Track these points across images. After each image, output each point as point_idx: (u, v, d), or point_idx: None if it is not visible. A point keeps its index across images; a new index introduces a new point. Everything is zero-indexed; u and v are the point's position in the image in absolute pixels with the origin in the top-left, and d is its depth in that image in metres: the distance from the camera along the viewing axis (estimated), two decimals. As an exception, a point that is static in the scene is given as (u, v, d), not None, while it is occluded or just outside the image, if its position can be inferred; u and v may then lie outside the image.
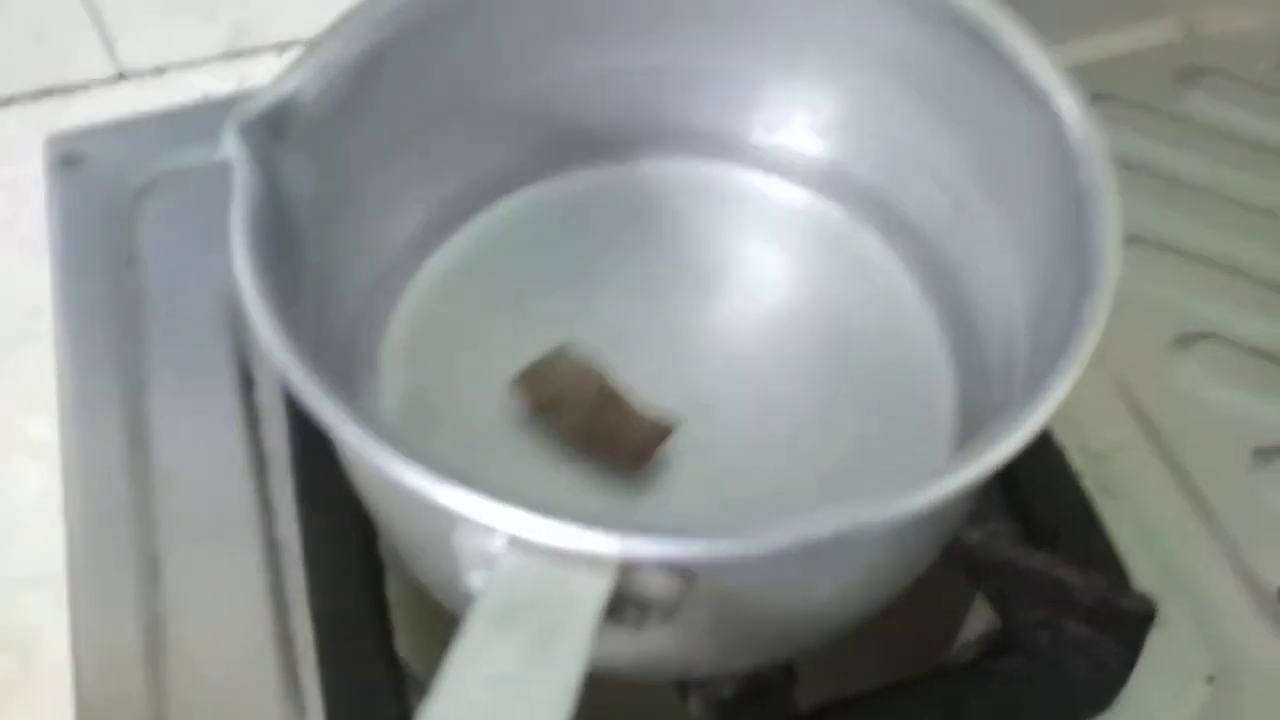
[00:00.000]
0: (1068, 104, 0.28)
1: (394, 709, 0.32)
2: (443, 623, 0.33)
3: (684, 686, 0.34)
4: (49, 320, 0.41)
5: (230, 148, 0.27)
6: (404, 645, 0.35)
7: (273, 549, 0.36)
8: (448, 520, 0.23)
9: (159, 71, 0.52)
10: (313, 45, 0.29)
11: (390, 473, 0.22)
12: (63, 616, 0.35)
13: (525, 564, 0.22)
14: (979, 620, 0.36)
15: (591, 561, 0.22)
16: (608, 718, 0.36)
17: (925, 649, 0.36)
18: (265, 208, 0.27)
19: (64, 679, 0.34)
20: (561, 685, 0.20)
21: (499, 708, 0.20)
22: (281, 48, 0.54)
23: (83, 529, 0.37)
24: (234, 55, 0.53)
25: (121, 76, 0.52)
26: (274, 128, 0.28)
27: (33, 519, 0.39)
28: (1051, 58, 0.28)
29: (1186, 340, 0.40)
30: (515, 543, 0.22)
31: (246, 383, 0.40)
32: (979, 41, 0.29)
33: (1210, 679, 0.34)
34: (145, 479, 0.38)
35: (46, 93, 0.51)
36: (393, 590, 0.35)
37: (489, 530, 0.22)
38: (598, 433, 0.32)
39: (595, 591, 0.21)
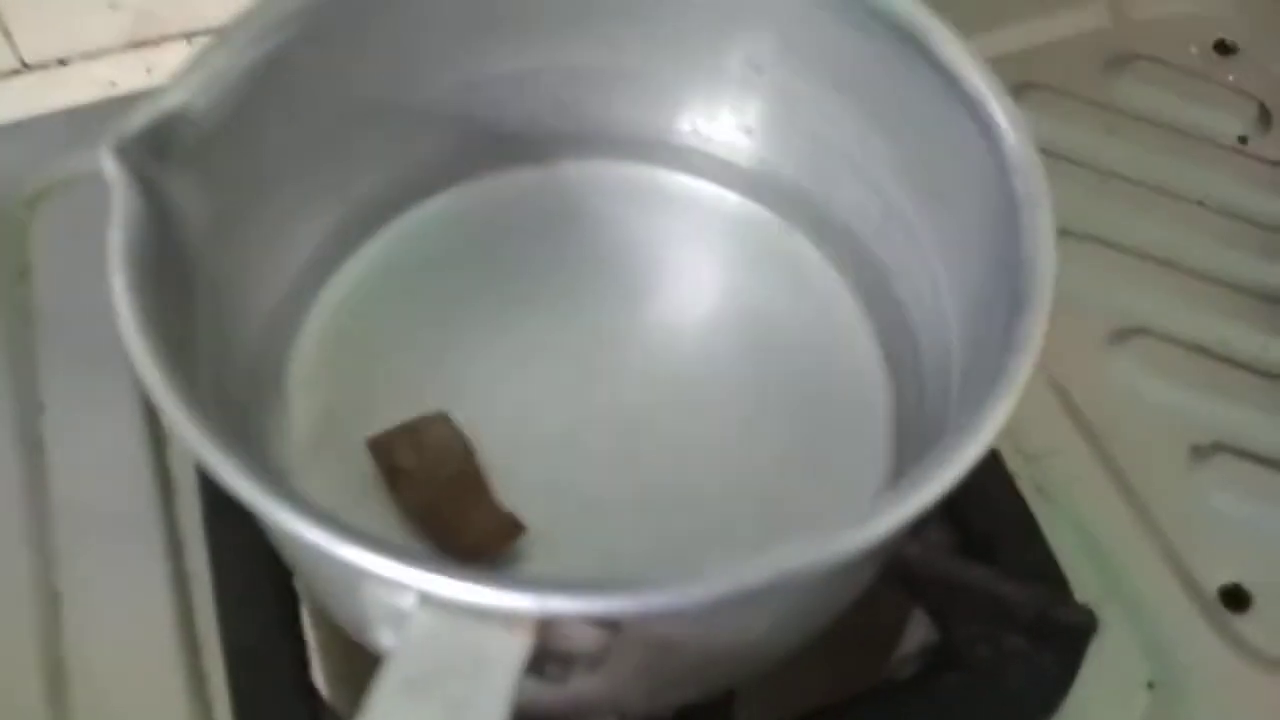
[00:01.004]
0: (999, 110, 0.27)
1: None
2: (362, 654, 0.31)
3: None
4: (-64, 336, 0.39)
5: (107, 168, 0.25)
6: (322, 678, 0.33)
7: (181, 581, 0.34)
8: (354, 574, 0.21)
9: (62, 63, 0.49)
10: (199, 54, 0.27)
11: (291, 530, 0.21)
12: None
13: (437, 624, 0.20)
14: (918, 631, 0.35)
15: (508, 619, 0.20)
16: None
17: (864, 663, 0.35)
18: (147, 230, 0.25)
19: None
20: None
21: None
22: (189, 36, 0.51)
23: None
24: (140, 44, 0.50)
25: (23, 67, 0.49)
26: (156, 144, 0.26)
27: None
28: (982, 63, 0.27)
29: (1120, 336, 0.40)
30: (426, 600, 0.20)
31: (150, 405, 0.38)
32: (909, 44, 0.28)
33: (1151, 685, 0.33)
34: (43, 508, 0.36)
35: (-61, 84, 0.48)
36: (308, 622, 0.34)
37: (399, 588, 0.20)
38: (440, 516, 0.30)
39: (513, 652, 0.20)
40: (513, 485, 0.31)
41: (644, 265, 0.36)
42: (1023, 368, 0.23)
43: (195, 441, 0.21)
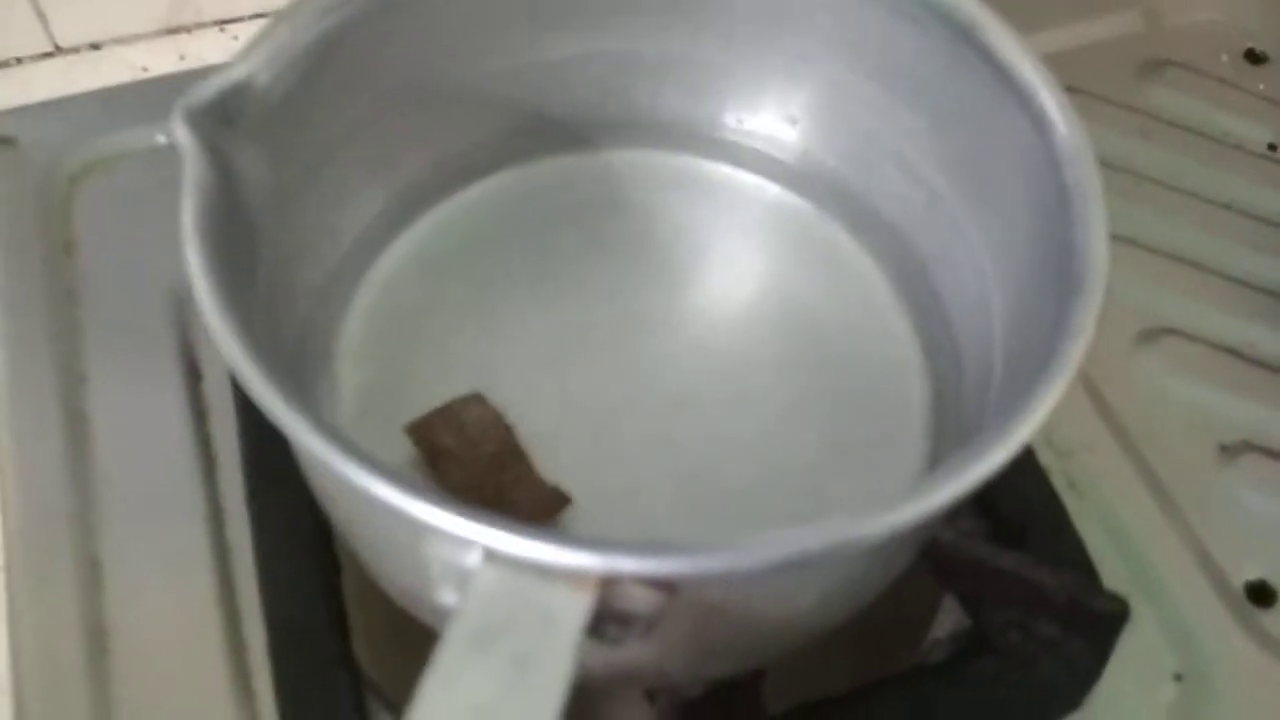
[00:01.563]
0: (1050, 101, 0.27)
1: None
2: (403, 628, 0.32)
3: (652, 689, 0.34)
4: (-18, 309, 0.39)
5: (179, 135, 0.25)
6: (362, 651, 0.33)
7: (222, 552, 0.35)
8: (419, 533, 0.22)
9: (95, 47, 0.50)
10: (264, 30, 0.28)
11: (359, 485, 0.21)
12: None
13: (502, 581, 0.21)
14: (949, 618, 0.36)
15: (572, 578, 0.21)
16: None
17: (895, 648, 0.36)
18: (216, 198, 0.25)
19: (3, 689, 0.33)
20: (546, 710, 0.19)
21: (487, 710, 0.19)
22: (222, 23, 0.52)
23: (20, 531, 0.35)
24: (173, 31, 0.51)
25: (57, 50, 0.49)
26: (224, 115, 0.26)
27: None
28: (1034, 55, 0.28)
29: (1150, 336, 0.40)
30: (492, 557, 0.21)
31: (193, 375, 0.39)
32: (960, 36, 0.28)
33: (1178, 677, 0.34)
34: (86, 478, 0.36)
35: (-24, 68, 0.49)
36: (350, 594, 0.34)
37: (465, 544, 0.21)
38: (485, 492, 0.31)
39: (576, 609, 0.21)
40: (553, 466, 0.32)
41: (686, 253, 0.36)
42: (1076, 352, 0.24)
43: (272, 404, 0.22)
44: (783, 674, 0.34)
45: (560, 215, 0.37)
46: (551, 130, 0.36)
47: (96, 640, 0.33)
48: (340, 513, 0.28)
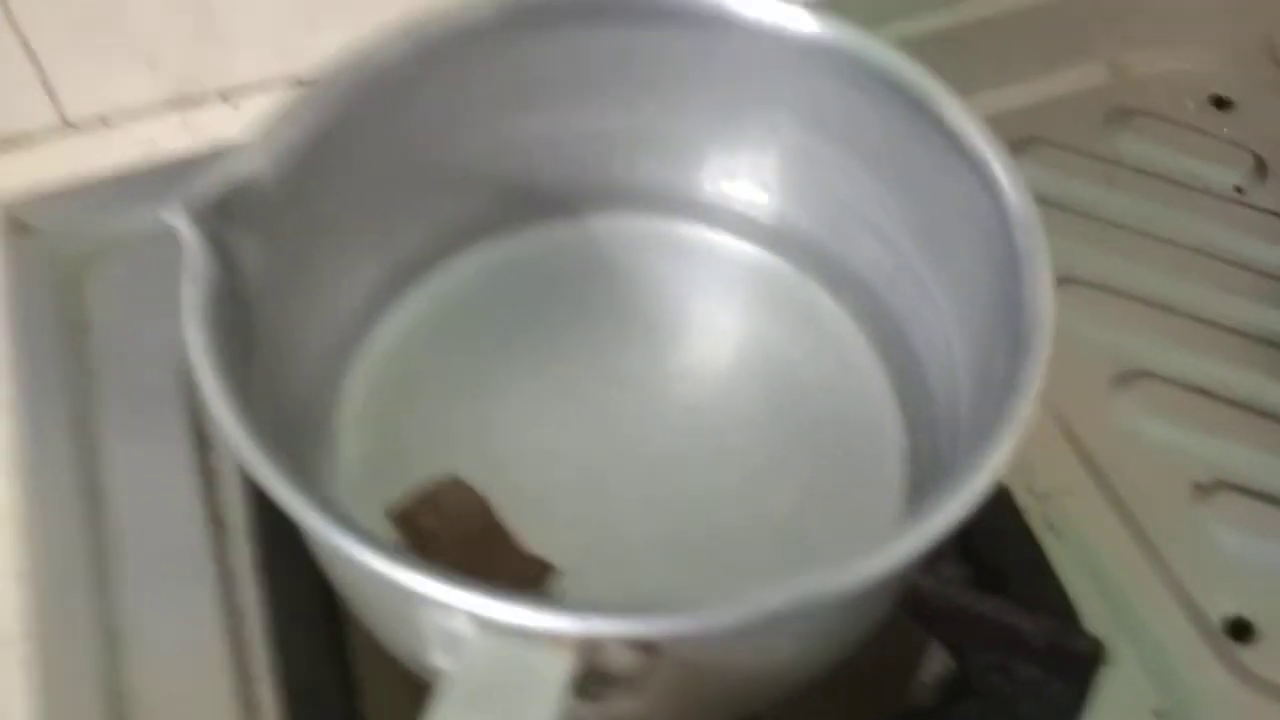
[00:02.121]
0: (1001, 169, 0.29)
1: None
2: (410, 686, 0.33)
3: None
4: (2, 387, 0.41)
5: (181, 229, 0.27)
6: (371, 710, 0.35)
7: (233, 616, 0.36)
8: (412, 602, 0.23)
9: (104, 121, 0.52)
10: (264, 129, 0.30)
11: (355, 558, 0.23)
12: (16, 679, 0.35)
13: (491, 645, 0.22)
14: (934, 663, 0.37)
15: (556, 641, 0.22)
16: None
17: (882, 693, 0.37)
18: (217, 285, 0.27)
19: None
20: (533, 767, 0.21)
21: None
22: (226, 95, 0.54)
23: (39, 601, 0.37)
24: (180, 104, 0.53)
25: (66, 124, 0.51)
26: (225, 210, 0.28)
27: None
28: (984, 125, 0.29)
29: (1124, 379, 0.42)
30: (480, 623, 0.22)
31: (202, 445, 0.40)
32: (916, 109, 0.30)
33: (1160, 714, 0.35)
34: (102, 545, 0.38)
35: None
36: (357, 652, 0.36)
37: (454, 611, 0.22)
38: (472, 571, 0.32)
39: (560, 669, 0.22)
40: (543, 525, 0.33)
41: (668, 314, 0.38)
42: (1023, 408, 0.25)
43: (270, 482, 0.23)
44: (775, 718, 0.35)
45: (547, 281, 0.38)
46: (535, 200, 0.38)
47: (115, 706, 0.35)
48: (341, 580, 0.29)
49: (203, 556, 0.37)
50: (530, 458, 0.35)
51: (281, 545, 0.36)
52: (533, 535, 0.33)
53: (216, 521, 0.38)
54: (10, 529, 0.38)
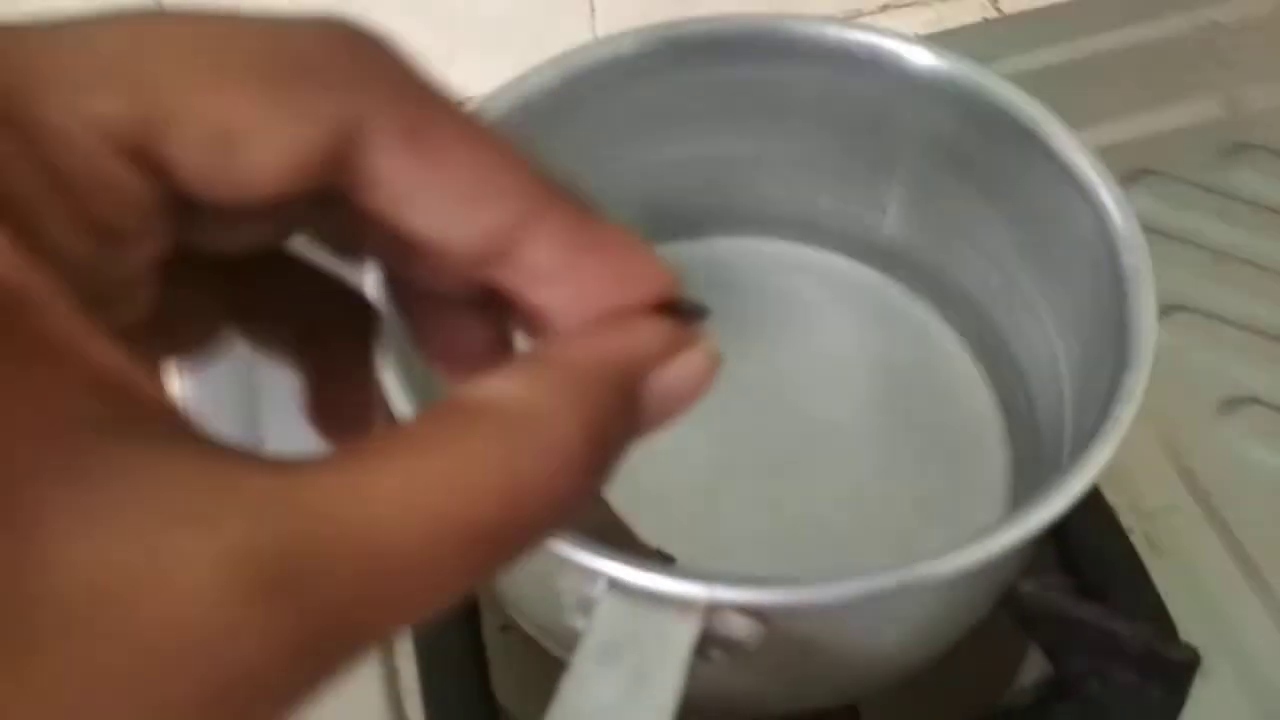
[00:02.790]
0: (1108, 195, 0.31)
1: (490, 740, 0.35)
2: (534, 664, 0.36)
3: (754, 726, 0.37)
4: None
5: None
6: (499, 685, 0.38)
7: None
8: (556, 567, 0.26)
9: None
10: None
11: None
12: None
13: (624, 607, 0.25)
14: (1033, 668, 0.38)
15: (683, 605, 0.25)
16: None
17: (981, 695, 0.38)
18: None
19: None
20: (663, 711, 0.23)
21: (610, 715, 0.23)
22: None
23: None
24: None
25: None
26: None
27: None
28: (1092, 153, 0.31)
29: (1231, 405, 0.43)
30: (615, 587, 0.25)
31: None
32: (1027, 138, 0.32)
33: (1255, 728, 0.36)
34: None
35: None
36: (489, 633, 0.39)
37: (593, 576, 0.25)
38: None
39: (686, 632, 0.24)
40: (660, 523, 0.36)
41: (785, 328, 0.40)
42: (1126, 413, 0.27)
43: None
44: (878, 714, 0.37)
45: (674, 295, 0.41)
46: (664, 221, 0.41)
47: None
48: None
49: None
50: (651, 458, 0.37)
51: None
52: (650, 532, 0.36)
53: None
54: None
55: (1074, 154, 0.31)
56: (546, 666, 0.31)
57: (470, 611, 0.38)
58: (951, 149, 0.35)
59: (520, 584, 0.31)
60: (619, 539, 0.36)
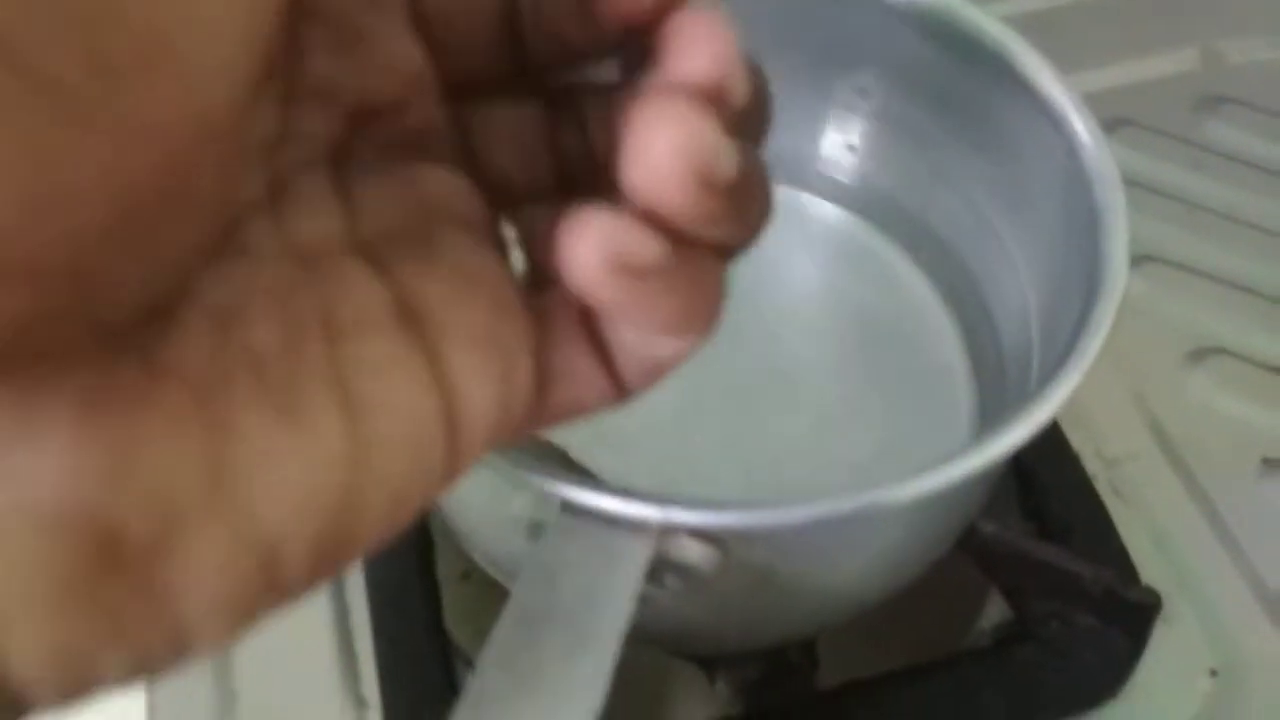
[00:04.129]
0: (1081, 127, 0.30)
1: (440, 676, 0.35)
2: (486, 602, 0.35)
3: (712, 670, 0.37)
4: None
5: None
6: (451, 620, 0.37)
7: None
8: (507, 491, 0.25)
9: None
10: None
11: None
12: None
13: (576, 527, 0.24)
14: (994, 611, 0.38)
15: (635, 527, 0.24)
16: (638, 703, 0.39)
17: (942, 638, 0.38)
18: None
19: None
20: (610, 634, 0.22)
21: (555, 649, 0.22)
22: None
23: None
24: None
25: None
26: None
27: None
28: (1065, 83, 0.30)
29: (1199, 355, 0.42)
30: (568, 509, 0.24)
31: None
32: (999, 68, 0.31)
33: (1213, 672, 0.35)
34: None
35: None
36: (443, 571, 0.38)
37: (548, 498, 0.24)
38: None
39: (638, 553, 0.24)
40: (622, 465, 0.35)
41: (752, 269, 0.39)
42: (1093, 346, 0.26)
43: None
44: (837, 657, 0.36)
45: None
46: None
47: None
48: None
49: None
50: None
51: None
52: (616, 473, 0.35)
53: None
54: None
55: (1047, 83, 0.31)
56: (499, 602, 0.30)
57: (425, 550, 0.38)
58: (922, 80, 0.35)
59: (474, 512, 0.30)
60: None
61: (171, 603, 0.13)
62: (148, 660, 0.13)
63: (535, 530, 0.25)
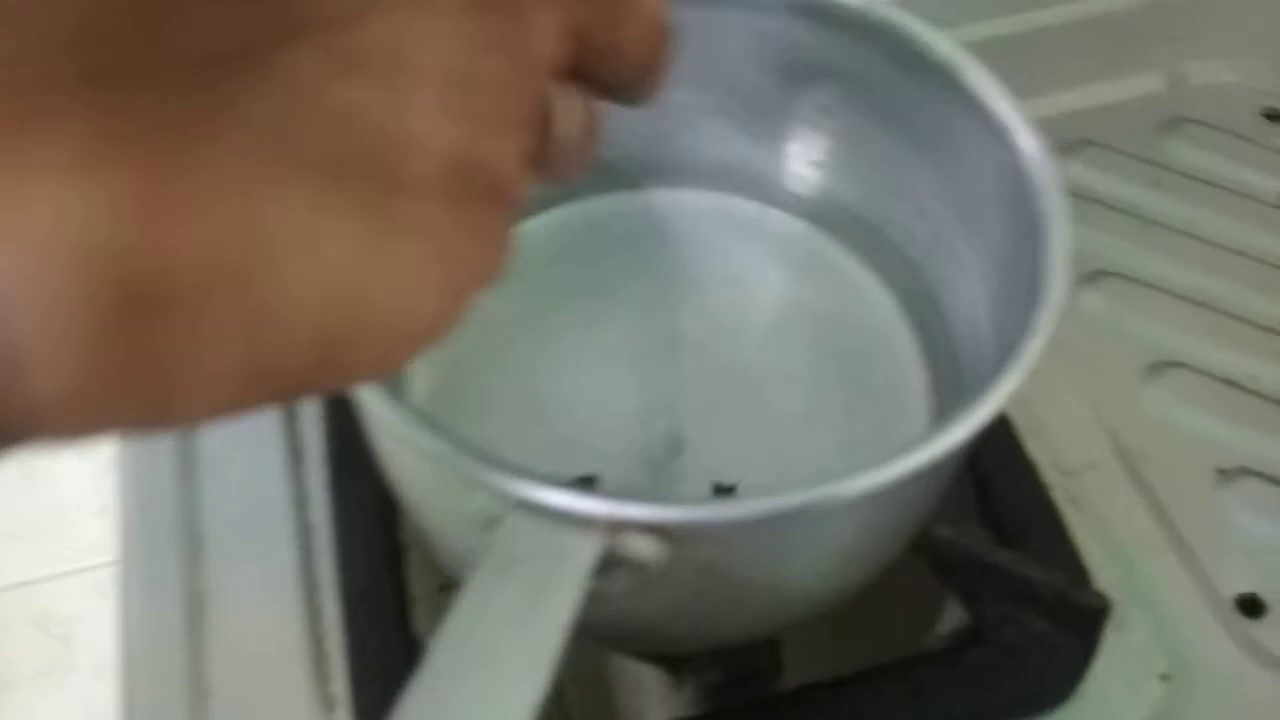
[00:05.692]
0: (1026, 140, 0.31)
1: (408, 675, 0.35)
2: (449, 599, 0.36)
3: (678, 672, 0.38)
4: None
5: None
6: (419, 620, 0.38)
7: (305, 530, 0.40)
8: (462, 489, 0.26)
9: None
10: None
11: (419, 444, 0.26)
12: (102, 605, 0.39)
13: (526, 523, 0.25)
14: (951, 619, 0.39)
15: (584, 522, 0.25)
16: (604, 705, 0.39)
17: (900, 642, 0.39)
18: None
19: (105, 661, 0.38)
20: (557, 622, 0.23)
21: (503, 635, 0.23)
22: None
23: (133, 517, 0.41)
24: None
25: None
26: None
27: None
28: (1009, 96, 0.31)
29: (1157, 368, 0.43)
30: (520, 506, 0.25)
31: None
32: (946, 82, 0.32)
33: (1165, 677, 0.36)
34: (191, 469, 0.42)
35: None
36: (411, 572, 0.39)
37: (499, 494, 0.25)
38: None
39: (588, 548, 0.25)
40: (590, 461, 0.36)
41: (716, 279, 0.40)
42: (1032, 350, 0.27)
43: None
44: (800, 662, 0.37)
45: (610, 244, 0.41)
46: (606, 172, 0.41)
47: (195, 607, 0.38)
48: (403, 481, 0.32)
49: (281, 478, 0.41)
50: (581, 398, 0.38)
51: (352, 470, 0.40)
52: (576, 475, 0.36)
53: (295, 449, 0.42)
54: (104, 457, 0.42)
55: (992, 98, 0.32)
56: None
57: (394, 552, 0.38)
58: (882, 99, 0.36)
59: (431, 512, 0.31)
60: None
61: (194, 360, 0.13)
62: (151, 415, 0.13)
63: (491, 527, 0.26)
